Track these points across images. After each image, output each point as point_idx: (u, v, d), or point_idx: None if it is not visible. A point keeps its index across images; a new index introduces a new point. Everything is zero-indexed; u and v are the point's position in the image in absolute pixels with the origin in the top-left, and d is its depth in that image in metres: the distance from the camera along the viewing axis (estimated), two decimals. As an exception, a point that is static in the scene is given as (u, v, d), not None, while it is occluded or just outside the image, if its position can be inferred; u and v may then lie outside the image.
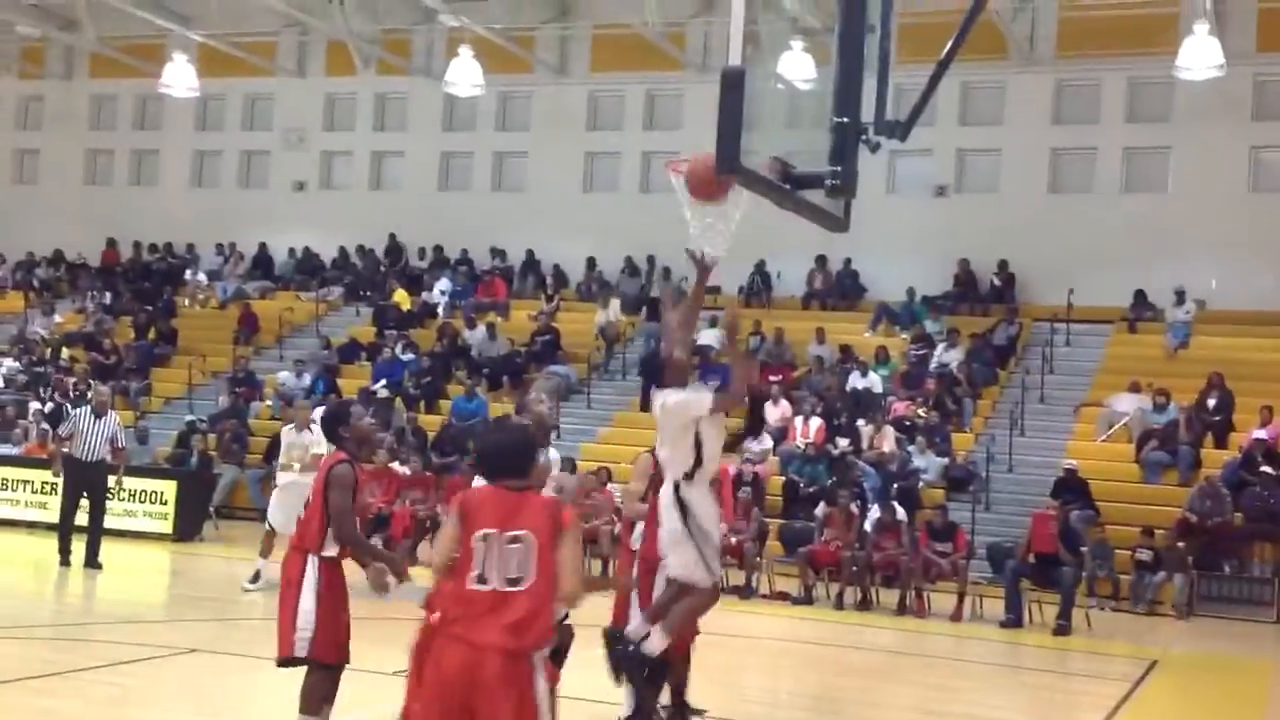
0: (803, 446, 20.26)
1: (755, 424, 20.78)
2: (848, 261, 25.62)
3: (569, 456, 17.60)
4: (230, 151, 31.32)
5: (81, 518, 15.64)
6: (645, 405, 18.47)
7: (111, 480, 15.78)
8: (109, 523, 16.06)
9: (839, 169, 6.92)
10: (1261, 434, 19.11)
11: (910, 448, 20.03)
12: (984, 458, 20.00)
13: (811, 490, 19.15)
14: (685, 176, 7.46)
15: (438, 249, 28.74)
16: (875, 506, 17.66)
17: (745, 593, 16.22)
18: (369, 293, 28.32)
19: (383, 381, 23.60)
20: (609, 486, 17.21)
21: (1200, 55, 21.46)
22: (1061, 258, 24.04)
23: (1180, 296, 22.98)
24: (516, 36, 27.19)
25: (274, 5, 26.32)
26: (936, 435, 20.49)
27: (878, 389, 21.86)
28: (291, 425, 14.66)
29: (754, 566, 16.58)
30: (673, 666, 7.96)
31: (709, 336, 24.10)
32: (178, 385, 25.87)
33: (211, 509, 20.07)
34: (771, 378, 22.34)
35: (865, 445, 20.17)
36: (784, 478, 19.85)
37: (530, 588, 5.17)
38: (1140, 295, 23.69)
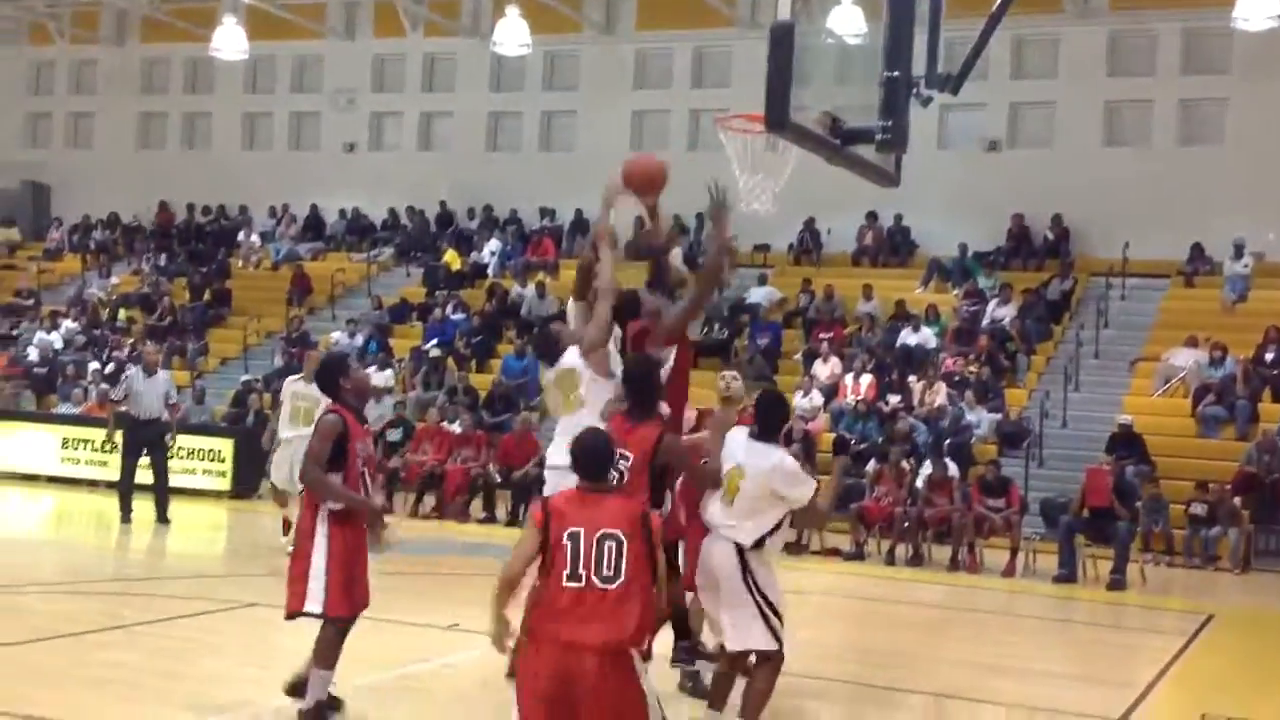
0: (853, 403, 20.23)
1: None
2: (898, 218, 25.44)
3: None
4: (280, 113, 31.49)
5: (144, 476, 15.87)
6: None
7: (167, 437, 16.01)
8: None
9: (889, 123, 6.88)
10: (1320, 388, 18.91)
11: (961, 404, 19.94)
12: (1038, 413, 19.88)
13: (863, 447, 19.14)
14: (623, 176, 7.34)
15: (487, 209, 28.81)
16: (927, 462, 17.63)
17: (796, 549, 16.15)
18: (419, 253, 28.46)
19: (434, 341, 23.75)
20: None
21: (1258, 5, 21.09)
22: (1116, 211, 23.76)
23: (1239, 250, 22.66)
24: (563, -5, 27.12)
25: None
26: (989, 391, 20.39)
27: (930, 345, 21.77)
28: (300, 377, 14.25)
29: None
30: (691, 612, 7.92)
31: (759, 294, 24.08)
32: (233, 346, 26.19)
33: (268, 466, 20.28)
34: (821, 334, 22.30)
35: (916, 402, 20.12)
36: (833, 434, 19.82)
37: (624, 585, 5.20)
38: (1197, 249, 23.41)
